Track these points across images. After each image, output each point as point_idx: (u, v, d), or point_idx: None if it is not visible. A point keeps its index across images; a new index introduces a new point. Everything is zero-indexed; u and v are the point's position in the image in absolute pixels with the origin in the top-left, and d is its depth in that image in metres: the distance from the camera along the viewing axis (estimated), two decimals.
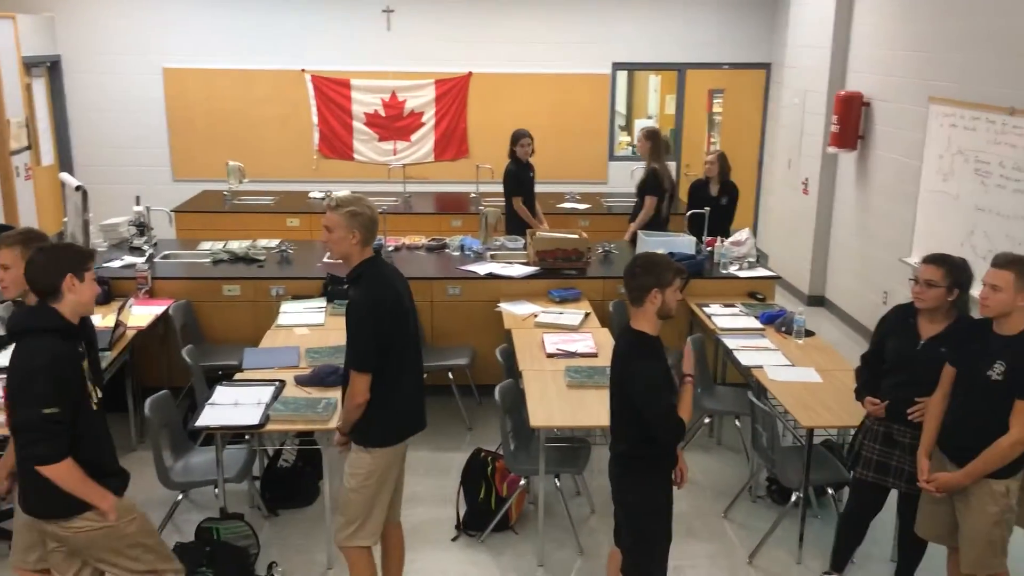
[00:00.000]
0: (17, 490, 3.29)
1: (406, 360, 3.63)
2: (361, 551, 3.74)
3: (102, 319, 5.27)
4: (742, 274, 6.51)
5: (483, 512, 4.74)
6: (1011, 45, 5.82)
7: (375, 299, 3.49)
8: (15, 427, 3.04)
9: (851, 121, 7.88)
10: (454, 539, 4.73)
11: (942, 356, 3.71)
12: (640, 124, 11.68)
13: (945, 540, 3.81)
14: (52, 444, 2.99)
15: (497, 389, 4.60)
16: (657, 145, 7.39)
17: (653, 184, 7.34)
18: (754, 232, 10.18)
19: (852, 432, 4.77)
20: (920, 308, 3.81)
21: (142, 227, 6.88)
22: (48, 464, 3.00)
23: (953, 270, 3.73)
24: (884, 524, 4.61)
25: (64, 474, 3.04)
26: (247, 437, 4.70)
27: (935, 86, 6.72)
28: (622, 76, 11.09)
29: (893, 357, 3.93)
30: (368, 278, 3.54)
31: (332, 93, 10.12)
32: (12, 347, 3.11)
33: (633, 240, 7.19)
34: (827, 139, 8.22)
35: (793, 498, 4.58)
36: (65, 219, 6.65)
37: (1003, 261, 3.46)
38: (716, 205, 7.15)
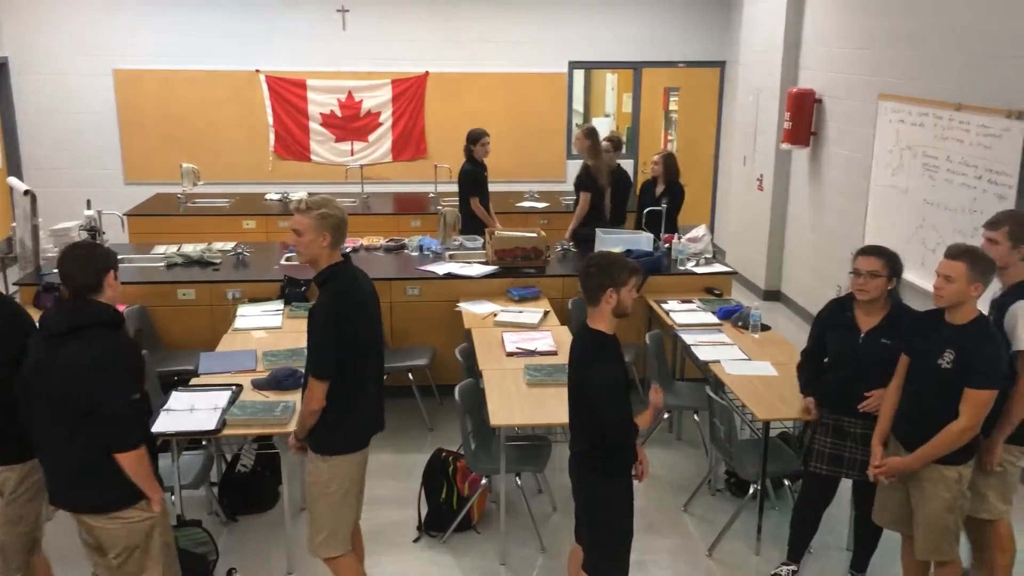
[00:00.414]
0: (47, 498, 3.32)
1: (368, 368, 3.58)
2: (341, 559, 3.70)
3: None
4: (699, 270, 6.58)
5: (445, 512, 4.73)
6: (957, 42, 5.95)
7: (339, 305, 3.45)
8: (107, 418, 3.07)
9: (803, 118, 8.00)
10: (416, 540, 4.72)
11: (884, 348, 3.80)
12: (597, 122, 11.76)
13: (900, 527, 3.89)
14: (136, 430, 3.17)
15: (457, 389, 4.59)
16: (595, 143, 7.47)
17: (587, 180, 7.43)
18: (711, 228, 10.30)
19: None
20: (862, 300, 3.88)
21: (93, 231, 6.74)
22: (132, 450, 3.13)
23: (890, 259, 3.84)
24: (840, 514, 4.69)
25: (140, 459, 3.18)
26: (204, 443, 4.64)
27: (884, 83, 6.85)
28: (579, 75, 11.14)
29: (835, 352, 4.01)
30: (335, 283, 3.49)
31: (287, 94, 10.03)
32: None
33: (574, 237, 7.23)
34: (780, 136, 8.34)
35: (751, 490, 4.64)
36: (13, 224, 6.51)
37: (955, 252, 3.53)
38: (659, 205, 7.27)
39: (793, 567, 4.32)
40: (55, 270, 6.11)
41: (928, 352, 3.59)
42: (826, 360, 4.12)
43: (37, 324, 3.25)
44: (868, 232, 7.06)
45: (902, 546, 3.99)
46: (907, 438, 3.69)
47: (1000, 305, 3.79)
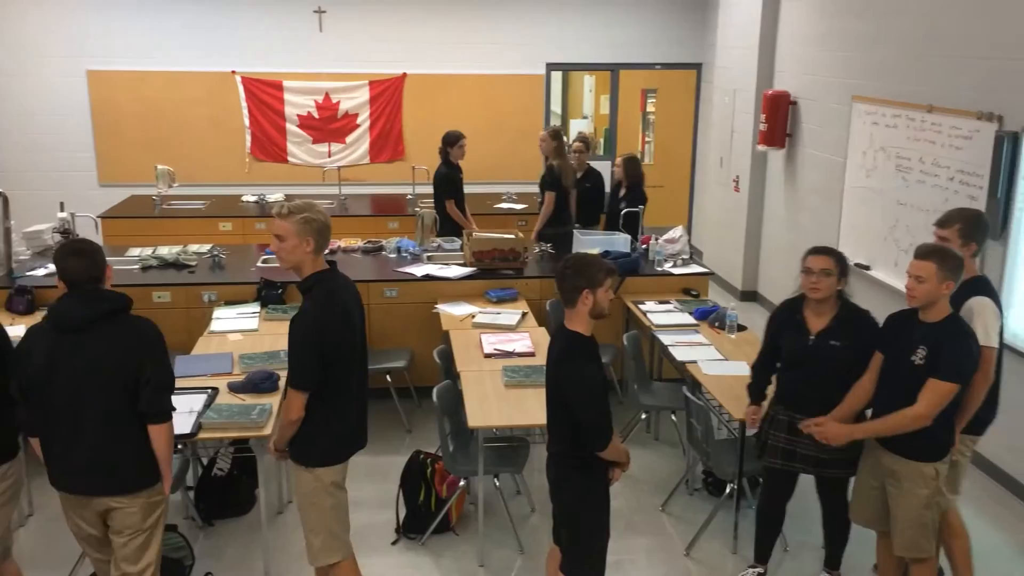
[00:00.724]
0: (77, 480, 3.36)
1: (351, 378, 3.53)
2: (342, 564, 3.67)
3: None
4: (676, 271, 6.61)
5: (423, 514, 4.72)
6: (929, 44, 6.02)
7: (323, 314, 3.39)
8: (157, 388, 3.27)
9: (779, 120, 8.07)
10: (394, 543, 4.71)
11: (834, 350, 3.83)
12: (575, 124, 11.79)
13: (876, 525, 3.93)
14: (171, 400, 3.35)
15: (435, 391, 4.59)
16: (560, 144, 7.58)
17: (552, 181, 7.49)
18: (688, 229, 10.37)
19: None
20: (814, 299, 3.88)
21: (67, 234, 6.68)
22: (169, 421, 3.34)
23: (840, 258, 3.87)
24: (816, 512, 4.72)
25: (171, 432, 3.39)
26: (179, 446, 4.60)
27: (858, 85, 6.92)
28: (557, 76, 11.16)
29: (787, 353, 4.02)
30: (319, 291, 3.42)
31: (264, 95, 9.97)
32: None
33: (540, 237, 7.26)
34: (756, 137, 8.40)
35: (728, 490, 4.67)
36: None
37: (924, 252, 3.57)
38: (619, 207, 7.36)
39: (760, 569, 4.33)
40: (29, 272, 6.07)
41: (902, 350, 3.63)
42: (778, 364, 4.14)
43: (44, 322, 3.35)
44: (843, 233, 7.13)
45: (878, 544, 4.03)
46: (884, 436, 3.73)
47: (953, 302, 3.80)
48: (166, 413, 3.33)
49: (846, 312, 3.90)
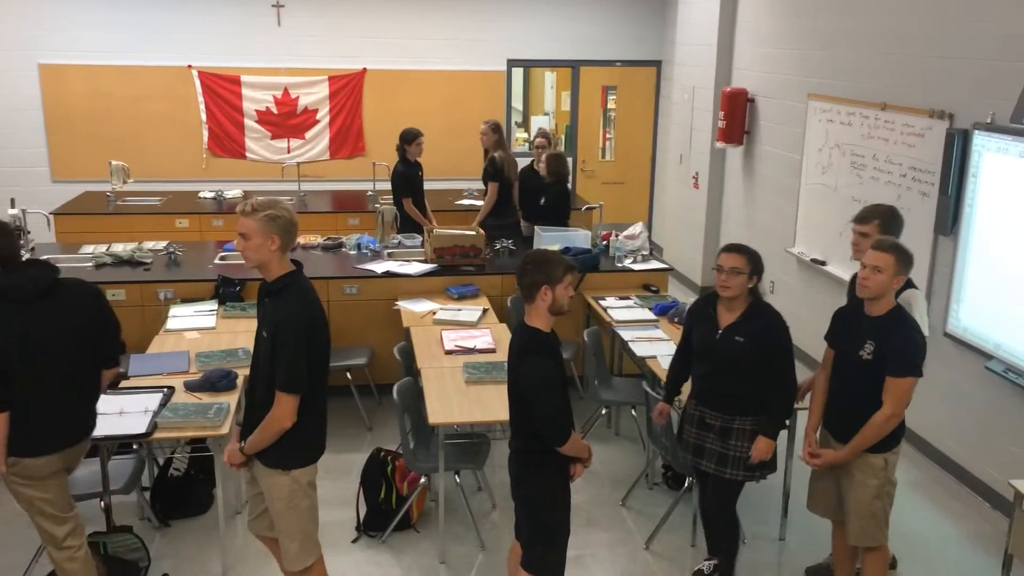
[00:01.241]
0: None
1: (323, 379, 3.51)
2: (316, 566, 3.63)
3: None
4: (636, 267, 6.65)
5: (384, 512, 4.70)
6: (883, 44, 6.12)
7: (310, 317, 3.33)
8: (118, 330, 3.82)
9: (737, 117, 8.15)
10: (354, 541, 4.68)
11: (737, 345, 3.84)
12: (537, 120, 11.81)
13: (831, 515, 4.01)
14: None
15: (395, 388, 4.57)
16: (501, 137, 7.73)
17: (494, 172, 7.56)
18: (649, 226, 10.45)
19: None
20: (725, 296, 3.88)
21: (18, 231, 6.53)
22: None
23: (752, 258, 3.86)
24: (773, 504, 4.80)
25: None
26: (135, 446, 4.53)
27: (813, 83, 7.02)
28: (518, 73, 11.16)
29: (697, 347, 4.04)
30: (298, 293, 3.36)
31: (221, 90, 9.84)
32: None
33: (482, 226, 7.28)
34: (715, 134, 8.48)
35: (687, 483, 4.71)
36: None
37: (885, 245, 3.65)
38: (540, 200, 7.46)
39: (715, 560, 4.35)
40: None
41: (850, 345, 3.70)
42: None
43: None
44: (799, 229, 7.23)
45: (833, 534, 4.10)
46: (836, 429, 3.80)
47: None
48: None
49: (755, 309, 3.89)
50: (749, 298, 3.90)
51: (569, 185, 7.69)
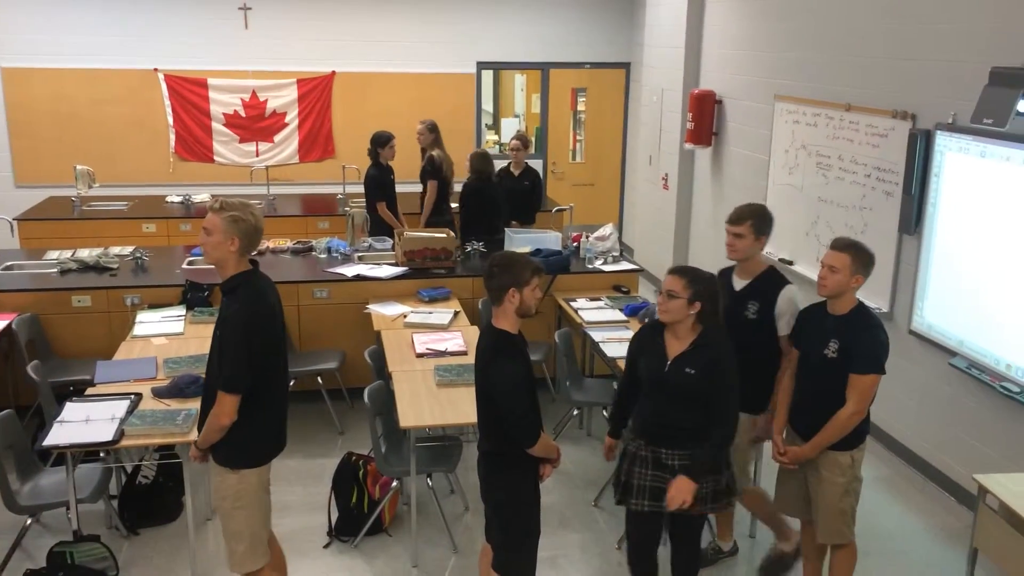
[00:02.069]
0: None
1: (275, 379, 3.50)
2: (262, 573, 3.62)
3: None
4: (607, 268, 6.68)
5: (355, 516, 4.68)
6: (847, 45, 6.20)
7: (252, 316, 3.34)
8: None
9: (705, 118, 8.21)
10: (326, 546, 4.66)
11: (688, 378, 3.50)
12: (507, 123, 11.81)
13: (799, 513, 4.04)
14: None
15: (366, 391, 4.56)
16: (438, 136, 7.84)
17: (432, 170, 7.65)
18: (619, 227, 10.49)
19: None
20: (663, 321, 3.58)
21: None
22: None
23: (695, 281, 3.50)
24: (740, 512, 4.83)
25: None
26: (102, 454, 4.48)
27: (780, 84, 7.10)
28: (488, 75, 11.16)
29: (645, 379, 3.66)
30: (244, 293, 3.37)
31: (188, 93, 9.74)
32: None
33: (428, 226, 7.42)
34: (684, 136, 8.54)
35: None
36: None
37: (842, 244, 3.70)
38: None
39: None
40: None
41: (814, 343, 3.74)
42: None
43: None
44: None
45: (801, 531, 4.14)
46: (802, 427, 3.84)
47: (759, 291, 4.04)
48: None
49: (705, 340, 3.53)
50: (699, 327, 3.53)
51: (494, 179, 7.78)
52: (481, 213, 7.42)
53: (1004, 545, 3.63)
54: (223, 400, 3.33)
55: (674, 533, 3.82)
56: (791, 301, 4.02)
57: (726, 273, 4.22)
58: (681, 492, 3.47)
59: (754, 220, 4.05)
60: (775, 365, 4.05)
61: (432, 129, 7.87)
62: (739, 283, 4.15)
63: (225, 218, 3.32)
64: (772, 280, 4.10)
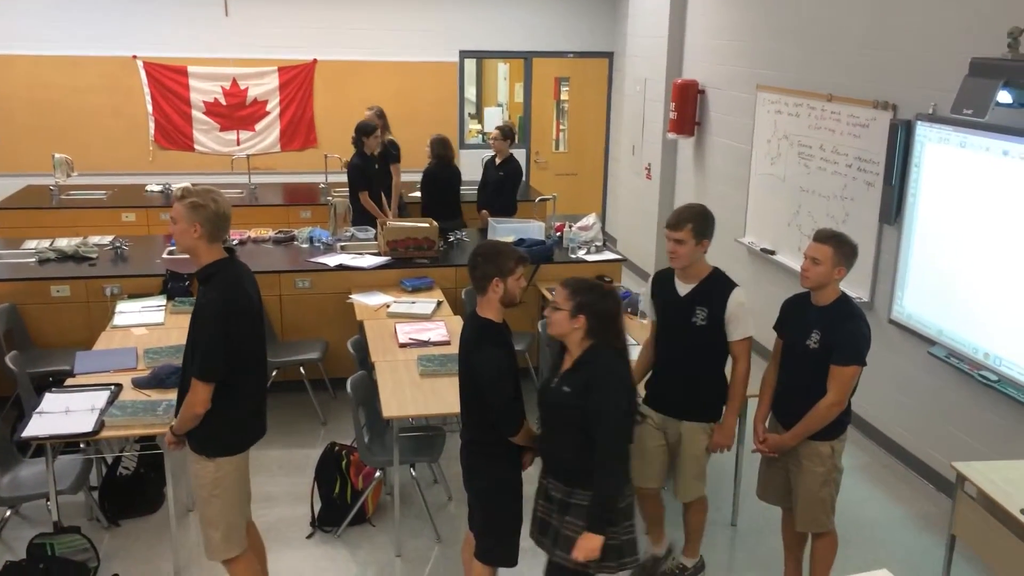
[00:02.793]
0: None
1: (252, 367, 3.50)
2: (239, 560, 3.62)
3: None
4: (590, 258, 6.69)
5: (339, 507, 4.68)
6: (829, 35, 6.22)
7: (227, 304, 3.34)
8: None
9: (688, 108, 8.22)
10: (309, 536, 4.65)
11: (562, 396, 3.20)
12: (490, 112, 11.78)
13: (780, 502, 4.07)
14: None
15: (349, 381, 4.54)
16: (386, 121, 8.15)
17: (396, 154, 7.95)
18: (602, 216, 10.50)
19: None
20: (551, 333, 3.31)
21: None
22: None
23: (577, 293, 3.22)
24: (725, 490, 4.86)
25: None
26: (82, 445, 4.44)
27: (762, 74, 7.11)
28: (472, 64, 11.12)
29: (540, 393, 3.41)
30: (219, 281, 3.37)
31: (168, 81, 9.64)
32: None
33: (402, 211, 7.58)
34: (667, 125, 8.54)
35: None
36: None
37: (823, 236, 3.72)
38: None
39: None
40: None
41: (797, 334, 3.77)
42: None
43: None
44: (749, 219, 7.33)
45: (782, 520, 4.17)
46: (784, 417, 3.87)
47: (705, 295, 3.89)
48: None
49: (587, 358, 3.20)
50: (586, 341, 3.22)
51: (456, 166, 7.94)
52: (440, 197, 7.54)
53: (981, 532, 3.67)
54: (197, 388, 3.33)
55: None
56: (741, 305, 3.86)
57: (664, 276, 4.04)
58: (582, 550, 3.12)
59: (695, 223, 3.81)
60: (724, 372, 3.97)
61: (380, 115, 8.07)
62: (683, 288, 3.92)
63: (186, 205, 3.33)
64: (719, 283, 3.90)
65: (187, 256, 3.50)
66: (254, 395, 3.55)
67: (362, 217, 7.37)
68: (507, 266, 3.35)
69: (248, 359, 3.45)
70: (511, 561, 3.59)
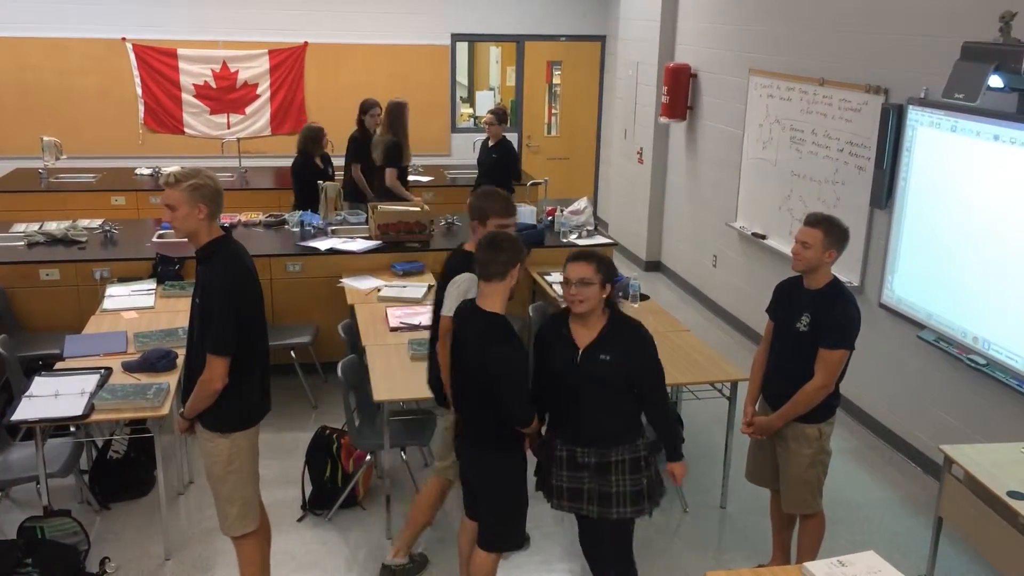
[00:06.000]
0: None
1: (257, 341, 3.51)
2: (250, 538, 3.63)
3: None
4: (581, 242, 6.68)
5: (329, 490, 4.69)
6: (821, 19, 6.21)
7: (235, 279, 3.35)
8: None
9: (680, 92, 8.20)
10: (300, 519, 4.66)
11: (603, 365, 3.28)
12: (481, 96, 11.73)
13: (769, 484, 4.10)
14: None
15: (340, 365, 4.54)
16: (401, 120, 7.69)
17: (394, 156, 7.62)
18: (594, 201, 10.49)
19: (681, 389, 5.03)
20: (578, 312, 3.31)
21: None
22: None
23: (601, 264, 3.29)
24: (714, 472, 4.89)
25: None
26: (72, 429, 4.44)
27: (754, 58, 7.09)
28: (464, 48, 11.06)
29: (557, 374, 3.39)
30: (224, 257, 3.38)
31: (157, 63, 9.57)
32: None
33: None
34: (659, 110, 8.52)
35: None
36: None
37: (813, 220, 3.72)
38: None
39: None
40: None
41: (788, 317, 3.78)
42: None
43: None
44: (740, 203, 7.33)
45: (771, 502, 4.19)
46: (773, 399, 3.88)
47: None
48: None
49: (615, 325, 3.35)
50: (607, 311, 3.35)
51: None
52: (303, 190, 7.36)
53: (968, 514, 3.70)
54: (213, 364, 3.31)
55: (586, 543, 3.59)
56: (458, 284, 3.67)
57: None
58: (680, 476, 3.54)
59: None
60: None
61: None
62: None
63: (185, 189, 3.30)
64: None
65: (177, 240, 3.48)
66: (261, 369, 3.55)
67: (353, 190, 7.42)
68: (523, 252, 3.37)
69: (254, 333, 3.46)
70: (521, 543, 3.60)
